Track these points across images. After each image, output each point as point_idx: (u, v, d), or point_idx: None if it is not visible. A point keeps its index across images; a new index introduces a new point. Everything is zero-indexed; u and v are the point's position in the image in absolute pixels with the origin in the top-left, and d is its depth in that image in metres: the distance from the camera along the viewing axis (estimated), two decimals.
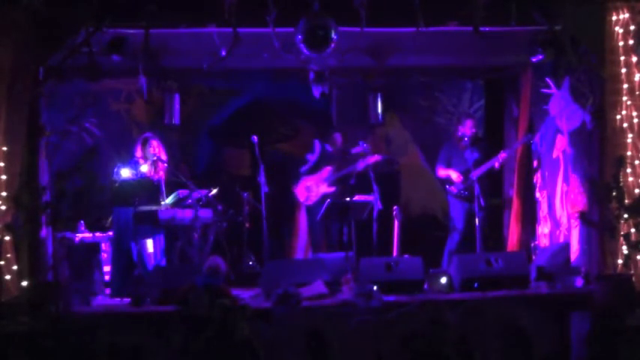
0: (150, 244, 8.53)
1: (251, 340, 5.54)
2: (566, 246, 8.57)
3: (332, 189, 9.41)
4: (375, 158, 9.20)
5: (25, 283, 7.11)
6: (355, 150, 9.44)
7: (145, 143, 8.82)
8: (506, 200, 10.00)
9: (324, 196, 9.29)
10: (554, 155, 9.05)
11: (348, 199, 9.03)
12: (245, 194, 9.65)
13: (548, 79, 8.56)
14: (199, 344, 5.64)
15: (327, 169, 9.50)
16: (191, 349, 5.76)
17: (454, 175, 9.28)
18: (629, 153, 7.75)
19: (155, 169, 8.82)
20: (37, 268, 7.32)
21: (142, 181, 8.63)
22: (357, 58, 8.23)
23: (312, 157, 9.64)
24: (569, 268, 8.29)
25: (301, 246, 9.64)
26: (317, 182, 9.48)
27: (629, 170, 7.73)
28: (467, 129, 9.31)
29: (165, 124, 9.23)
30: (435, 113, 11.09)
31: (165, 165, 8.85)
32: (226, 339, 5.45)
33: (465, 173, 9.19)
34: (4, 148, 7.17)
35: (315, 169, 9.57)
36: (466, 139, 9.29)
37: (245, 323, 5.60)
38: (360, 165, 9.18)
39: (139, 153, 8.82)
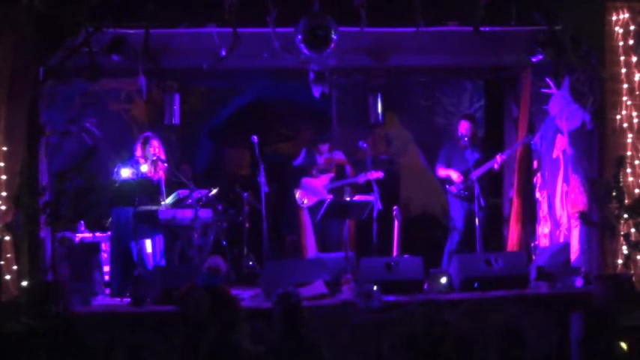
0: (148, 244, 8.52)
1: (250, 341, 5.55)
2: (566, 246, 8.57)
3: (329, 196, 9.41)
4: (378, 175, 9.26)
5: (25, 283, 7.11)
6: (336, 155, 9.63)
7: (146, 143, 8.81)
8: (506, 200, 10.00)
9: (320, 202, 9.31)
10: (554, 155, 9.05)
11: (348, 199, 9.04)
12: (245, 194, 9.65)
13: (548, 79, 8.55)
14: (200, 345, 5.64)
15: (328, 176, 9.53)
16: (192, 349, 5.76)
17: (454, 175, 9.28)
18: (629, 153, 7.76)
19: (155, 168, 8.81)
20: (36, 268, 7.32)
21: (142, 181, 8.62)
22: (357, 58, 8.22)
23: (296, 163, 9.75)
24: (569, 268, 8.29)
25: (311, 244, 9.63)
26: (317, 187, 9.51)
27: (629, 170, 7.74)
28: (462, 130, 9.31)
29: (166, 124, 9.22)
30: (435, 113, 11.10)
31: (166, 165, 8.84)
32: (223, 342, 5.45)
33: (465, 173, 9.18)
34: (4, 148, 7.17)
35: (308, 170, 9.60)
36: (466, 139, 9.29)
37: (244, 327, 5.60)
38: (362, 179, 9.25)
39: (139, 152, 8.81)
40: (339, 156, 9.74)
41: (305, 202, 9.53)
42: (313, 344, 5.36)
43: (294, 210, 9.79)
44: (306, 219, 9.64)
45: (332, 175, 9.61)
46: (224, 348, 5.42)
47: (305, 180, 9.59)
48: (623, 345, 6.13)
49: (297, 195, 9.58)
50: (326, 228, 9.51)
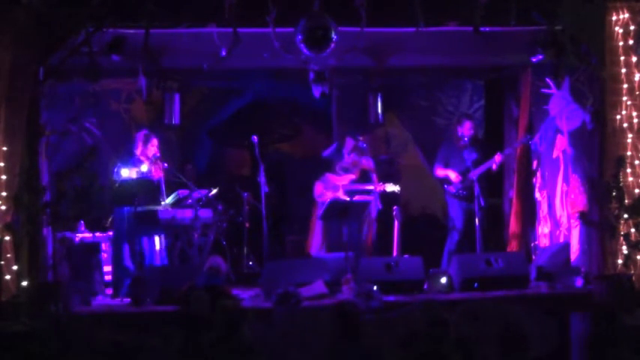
0: (157, 241, 8.53)
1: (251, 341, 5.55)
2: (566, 246, 8.57)
3: (345, 197, 9.30)
4: (393, 189, 9.13)
5: (25, 283, 7.11)
6: (364, 161, 9.45)
7: (147, 140, 8.78)
8: (506, 200, 10.00)
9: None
10: (554, 155, 9.05)
11: (348, 199, 9.03)
12: (245, 194, 9.65)
13: (548, 79, 8.56)
14: (200, 345, 5.64)
15: (350, 177, 9.40)
16: (191, 349, 5.76)
17: (452, 175, 9.28)
18: (629, 153, 7.75)
19: (154, 167, 8.80)
20: (37, 268, 7.32)
21: (142, 181, 8.62)
22: (357, 58, 8.23)
23: (325, 153, 9.64)
24: (569, 268, 8.30)
25: (316, 244, 9.57)
26: (336, 185, 9.38)
27: (629, 170, 7.73)
28: (465, 130, 9.29)
29: (165, 124, 9.22)
30: (435, 113, 11.09)
31: (165, 165, 8.83)
32: (227, 341, 5.45)
33: (464, 173, 9.18)
34: (4, 148, 7.17)
35: (333, 166, 9.52)
36: (465, 139, 9.28)
37: (246, 325, 5.60)
38: (379, 188, 9.14)
39: (139, 150, 8.78)
40: (367, 162, 9.48)
41: (321, 196, 9.40)
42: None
43: (310, 205, 9.72)
44: (317, 215, 9.56)
45: (354, 177, 9.43)
46: (226, 348, 5.42)
47: (327, 175, 9.47)
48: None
49: (316, 187, 9.46)
50: (332, 229, 9.43)
